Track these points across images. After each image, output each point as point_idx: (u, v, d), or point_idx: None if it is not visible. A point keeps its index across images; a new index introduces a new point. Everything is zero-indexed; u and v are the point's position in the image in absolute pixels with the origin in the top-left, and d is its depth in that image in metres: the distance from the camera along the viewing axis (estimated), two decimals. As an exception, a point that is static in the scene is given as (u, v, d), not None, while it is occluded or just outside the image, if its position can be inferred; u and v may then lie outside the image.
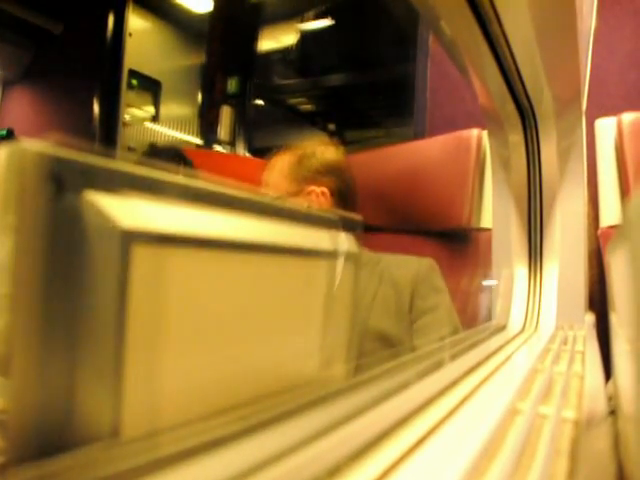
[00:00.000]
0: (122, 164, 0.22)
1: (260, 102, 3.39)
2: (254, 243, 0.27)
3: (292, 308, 0.31)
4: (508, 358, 0.55)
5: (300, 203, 1.06)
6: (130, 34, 3.01)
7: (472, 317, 1.10)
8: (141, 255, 0.20)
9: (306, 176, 1.09)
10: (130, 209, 0.21)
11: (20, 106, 3.41)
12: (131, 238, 0.20)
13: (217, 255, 0.24)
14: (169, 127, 3.28)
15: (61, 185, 0.19)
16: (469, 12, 0.53)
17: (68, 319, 0.20)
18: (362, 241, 0.37)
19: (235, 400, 0.26)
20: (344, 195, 1.12)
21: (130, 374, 0.20)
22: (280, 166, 1.11)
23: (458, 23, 0.56)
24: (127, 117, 3.03)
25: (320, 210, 0.35)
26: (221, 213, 0.26)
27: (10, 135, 3.15)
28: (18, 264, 0.19)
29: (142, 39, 3.11)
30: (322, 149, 1.13)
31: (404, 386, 0.34)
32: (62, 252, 0.20)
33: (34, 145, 0.19)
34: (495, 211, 0.95)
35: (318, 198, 1.08)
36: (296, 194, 1.08)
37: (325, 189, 1.08)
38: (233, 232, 0.26)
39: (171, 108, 3.32)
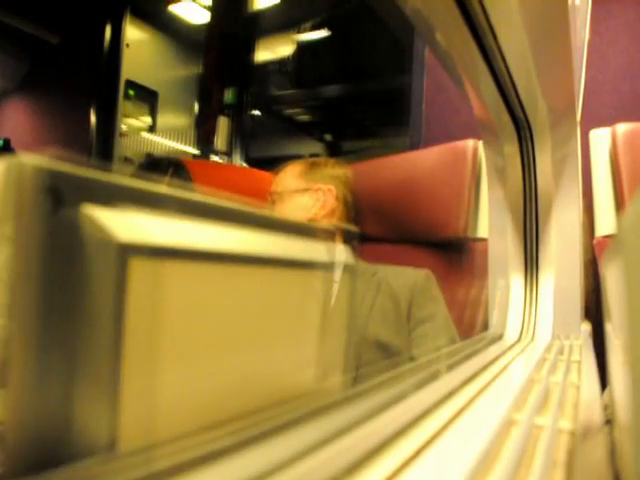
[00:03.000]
0: (119, 177, 0.22)
1: (257, 112, 3.41)
2: (251, 255, 0.27)
3: (289, 320, 0.31)
4: (505, 368, 0.55)
5: (308, 200, 1.15)
6: (127, 45, 3.02)
7: (469, 327, 1.10)
8: (138, 268, 0.20)
9: (315, 178, 1.17)
10: (127, 222, 0.21)
11: (16, 116, 3.41)
12: (128, 251, 0.20)
13: (214, 268, 0.25)
14: (166, 137, 3.29)
15: (59, 199, 0.19)
16: (463, 25, 0.53)
17: (65, 332, 0.20)
18: (358, 252, 0.38)
19: (233, 412, 0.26)
20: (348, 203, 1.19)
21: (128, 386, 0.20)
22: (292, 170, 1.20)
23: (453, 36, 0.56)
24: (124, 127, 3.04)
25: (317, 222, 0.36)
26: (218, 226, 0.26)
27: (7, 145, 3.16)
28: (16, 278, 0.19)
29: (139, 50, 3.13)
30: (332, 162, 1.24)
31: (401, 397, 0.34)
32: (60, 265, 0.20)
33: (32, 159, 0.19)
34: (491, 221, 0.95)
35: (325, 195, 1.15)
36: (305, 191, 1.15)
37: (332, 187, 1.16)
38: (230, 245, 0.26)
39: (168, 118, 3.33)
